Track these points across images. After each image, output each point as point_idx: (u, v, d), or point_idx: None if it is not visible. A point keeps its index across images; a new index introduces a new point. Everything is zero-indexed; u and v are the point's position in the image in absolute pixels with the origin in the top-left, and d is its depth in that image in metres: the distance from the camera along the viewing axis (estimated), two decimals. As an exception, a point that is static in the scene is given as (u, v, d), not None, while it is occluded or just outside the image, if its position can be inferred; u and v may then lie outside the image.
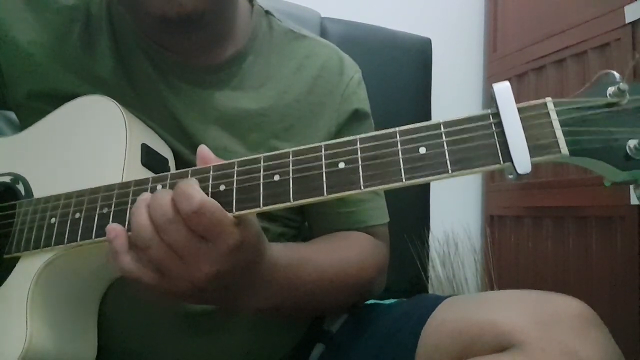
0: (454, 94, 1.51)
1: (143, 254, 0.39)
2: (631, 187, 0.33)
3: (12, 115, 0.63)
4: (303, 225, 0.66)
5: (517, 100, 0.34)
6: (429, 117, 1.36)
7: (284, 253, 0.48)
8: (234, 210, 0.39)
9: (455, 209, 1.50)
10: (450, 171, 0.35)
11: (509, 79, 1.46)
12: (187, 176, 0.42)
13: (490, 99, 0.35)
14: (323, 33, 1.22)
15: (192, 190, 0.37)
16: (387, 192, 0.64)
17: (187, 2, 0.48)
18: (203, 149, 0.43)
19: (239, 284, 0.43)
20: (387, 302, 0.63)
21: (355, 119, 0.64)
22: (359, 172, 0.37)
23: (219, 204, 0.38)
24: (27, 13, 0.57)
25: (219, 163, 0.42)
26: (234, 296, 0.44)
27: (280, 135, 0.59)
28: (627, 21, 1.09)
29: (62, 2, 0.57)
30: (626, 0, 1.10)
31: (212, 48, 0.58)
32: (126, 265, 0.40)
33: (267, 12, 0.64)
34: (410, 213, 1.27)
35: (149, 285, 0.40)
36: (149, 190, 0.43)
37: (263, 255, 0.44)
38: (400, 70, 1.31)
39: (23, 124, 0.60)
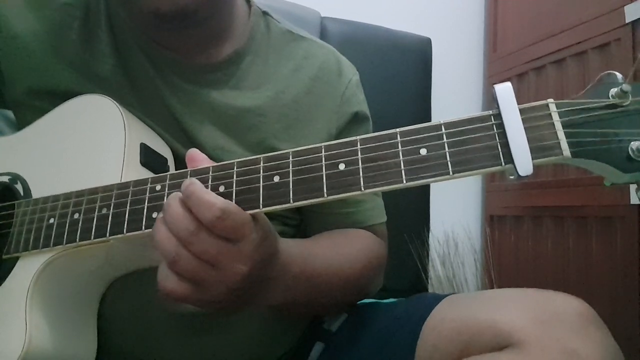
0: (454, 93, 1.51)
1: (173, 267, 0.39)
2: (632, 188, 0.33)
3: (12, 114, 0.63)
4: (301, 223, 0.66)
5: (518, 100, 0.34)
6: (429, 117, 1.36)
7: (294, 246, 0.49)
8: (234, 211, 0.39)
9: (455, 209, 1.50)
10: (451, 172, 0.35)
11: (509, 79, 1.46)
12: (187, 176, 0.42)
13: (491, 100, 0.35)
14: (323, 33, 1.22)
15: (210, 197, 0.37)
16: (387, 192, 0.64)
17: None
18: (192, 151, 0.43)
19: (264, 279, 0.43)
20: (386, 301, 0.63)
21: (355, 121, 0.64)
22: (359, 174, 0.37)
23: (236, 205, 0.38)
24: (27, 10, 0.57)
25: (215, 164, 0.42)
26: (261, 292, 0.44)
27: (279, 135, 0.59)
28: (627, 21, 1.09)
29: (60, 0, 0.57)
30: (626, 0, 1.10)
31: (209, 47, 0.58)
32: (160, 278, 0.39)
33: (264, 13, 0.64)
34: (411, 213, 1.27)
35: (185, 299, 0.40)
36: (147, 191, 0.43)
37: (278, 248, 0.44)
38: (400, 70, 1.31)
39: (21, 122, 0.59)
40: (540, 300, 0.43)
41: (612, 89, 0.33)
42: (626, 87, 0.32)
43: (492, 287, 1.39)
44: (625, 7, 1.09)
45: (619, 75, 0.33)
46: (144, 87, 0.56)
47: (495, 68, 1.53)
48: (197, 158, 0.43)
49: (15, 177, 0.54)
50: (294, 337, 0.62)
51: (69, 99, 0.55)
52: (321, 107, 0.62)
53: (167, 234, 0.38)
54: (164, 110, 0.56)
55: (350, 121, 0.64)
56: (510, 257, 1.41)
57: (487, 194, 1.53)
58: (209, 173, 0.41)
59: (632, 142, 0.32)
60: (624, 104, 0.32)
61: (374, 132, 0.38)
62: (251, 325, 0.57)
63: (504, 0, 1.53)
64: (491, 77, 1.53)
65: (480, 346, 0.43)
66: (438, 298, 0.52)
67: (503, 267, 1.42)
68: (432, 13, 1.53)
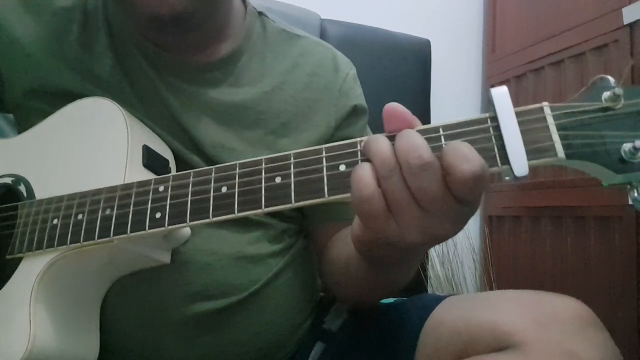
0: (453, 95, 1.52)
1: (383, 181, 0.35)
2: (627, 188, 0.34)
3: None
4: (304, 220, 0.66)
5: (516, 101, 0.35)
6: (428, 118, 1.36)
7: None
8: (235, 212, 0.40)
9: (454, 209, 1.50)
10: (449, 173, 0.35)
11: (508, 80, 1.47)
12: (189, 177, 0.43)
13: (488, 103, 0.36)
14: (323, 34, 1.23)
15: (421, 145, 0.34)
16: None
17: (177, 3, 0.49)
18: (391, 106, 0.37)
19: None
20: (386, 301, 0.63)
21: (354, 114, 0.65)
22: (359, 174, 0.37)
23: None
24: (26, 15, 0.57)
25: (218, 166, 0.42)
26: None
27: (278, 131, 0.60)
28: (625, 22, 1.10)
29: (58, 4, 0.58)
30: (624, 1, 1.11)
31: (207, 47, 0.59)
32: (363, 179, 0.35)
33: (260, 13, 0.65)
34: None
35: (373, 216, 0.35)
36: (151, 192, 0.44)
37: None
38: (399, 72, 1.32)
39: (21, 124, 0.60)
40: (540, 302, 0.44)
41: (604, 93, 0.33)
42: (618, 90, 0.33)
43: (490, 287, 1.40)
44: (623, 8, 1.10)
45: (611, 79, 0.34)
46: (143, 88, 0.57)
47: (494, 69, 1.53)
48: (397, 112, 0.37)
49: (19, 179, 0.55)
50: (295, 337, 0.63)
51: (68, 99, 0.56)
52: (319, 101, 0.63)
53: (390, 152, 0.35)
54: (164, 111, 0.57)
55: (349, 114, 0.65)
56: (509, 257, 1.42)
57: (486, 194, 1.54)
58: (211, 174, 0.42)
59: (623, 144, 0.32)
60: (616, 107, 0.33)
61: (372, 132, 0.39)
62: (253, 326, 0.57)
63: (503, 2, 1.54)
64: (490, 79, 1.54)
65: (480, 347, 0.43)
66: (438, 299, 0.53)
67: (502, 267, 1.43)
68: (431, 15, 1.54)
